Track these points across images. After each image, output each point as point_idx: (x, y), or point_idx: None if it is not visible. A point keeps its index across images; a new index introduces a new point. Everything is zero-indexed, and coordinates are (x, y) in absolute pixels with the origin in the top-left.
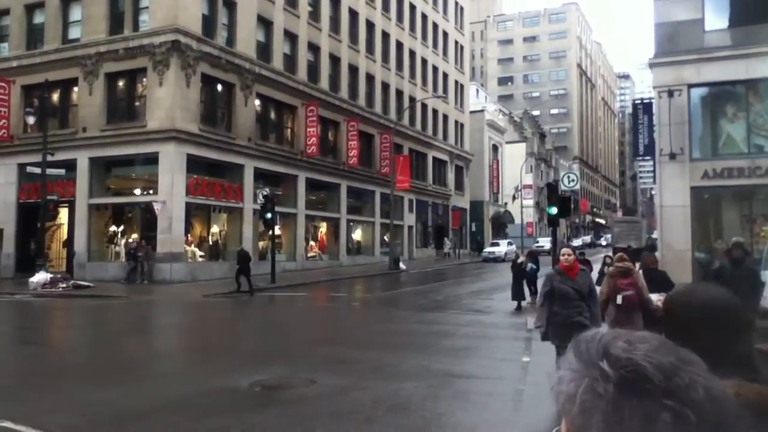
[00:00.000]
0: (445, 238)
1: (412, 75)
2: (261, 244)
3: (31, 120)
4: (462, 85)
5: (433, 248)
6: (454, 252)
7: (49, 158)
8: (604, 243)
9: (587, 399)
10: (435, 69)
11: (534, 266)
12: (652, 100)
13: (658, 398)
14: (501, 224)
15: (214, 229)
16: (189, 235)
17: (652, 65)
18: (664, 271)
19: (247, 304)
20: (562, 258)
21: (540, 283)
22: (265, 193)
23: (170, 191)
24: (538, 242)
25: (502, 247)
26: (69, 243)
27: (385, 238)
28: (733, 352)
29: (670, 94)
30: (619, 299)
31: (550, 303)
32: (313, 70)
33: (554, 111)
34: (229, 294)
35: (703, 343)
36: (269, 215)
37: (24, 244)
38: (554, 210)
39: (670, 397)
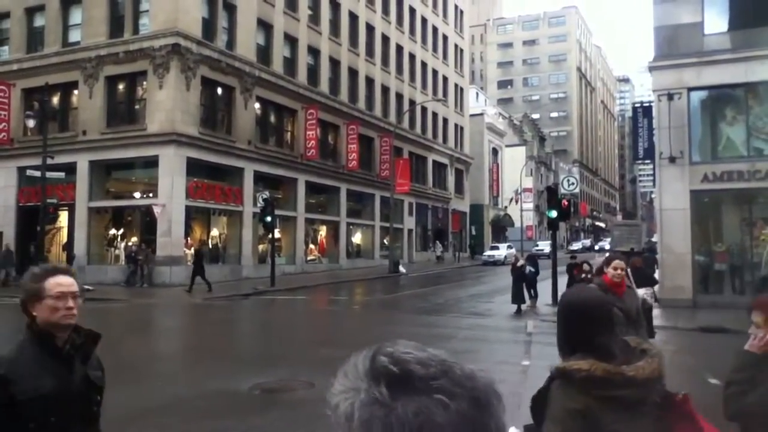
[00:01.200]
0: (437, 242)
1: (412, 78)
2: (261, 247)
3: (31, 123)
4: (462, 89)
5: (432, 251)
6: (454, 256)
7: (49, 161)
8: (606, 246)
9: (364, 412)
10: (435, 72)
11: (533, 269)
12: (652, 104)
13: (425, 390)
14: (501, 228)
15: (214, 232)
16: (189, 238)
17: (651, 68)
18: (648, 270)
19: (247, 307)
20: (610, 272)
21: (539, 286)
22: (264, 196)
23: (170, 194)
24: (537, 245)
25: (502, 251)
26: (69, 246)
27: (385, 241)
28: (593, 340)
29: (670, 97)
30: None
31: None
32: (313, 73)
33: (554, 114)
34: (229, 297)
35: (572, 332)
36: (269, 218)
37: (24, 247)
38: (554, 213)
39: (434, 386)
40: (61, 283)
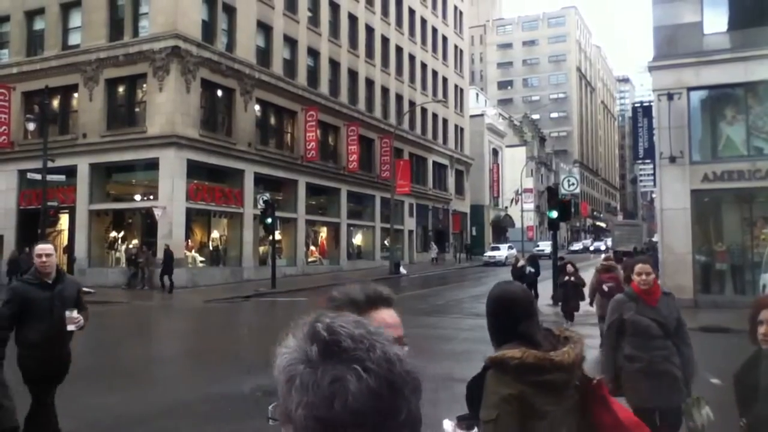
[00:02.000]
0: (432, 243)
1: (412, 79)
2: (261, 249)
3: (31, 126)
4: (462, 89)
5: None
6: (455, 257)
7: (50, 164)
8: (601, 247)
9: (293, 367)
10: (434, 73)
11: (533, 270)
12: (652, 104)
13: (346, 360)
14: (501, 228)
15: (215, 234)
16: (189, 240)
17: (651, 68)
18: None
19: (248, 309)
20: (636, 279)
21: (539, 286)
22: (265, 198)
23: (170, 197)
24: (538, 246)
25: (503, 251)
26: (69, 249)
27: (386, 242)
28: (517, 330)
29: (670, 97)
30: (605, 287)
31: (619, 341)
32: (313, 74)
33: (554, 115)
34: (230, 299)
35: (499, 323)
36: (269, 220)
37: (24, 250)
38: (554, 213)
39: (356, 361)
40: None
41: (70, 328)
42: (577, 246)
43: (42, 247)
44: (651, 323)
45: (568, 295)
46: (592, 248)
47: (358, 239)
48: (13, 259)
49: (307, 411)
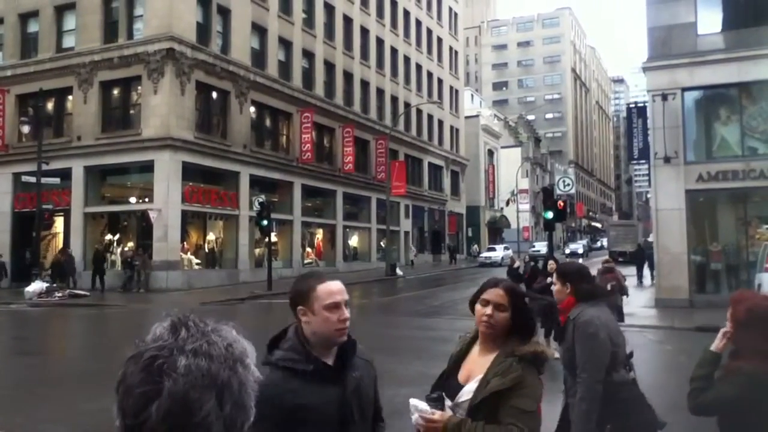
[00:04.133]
0: (410, 245)
1: (407, 81)
2: (257, 251)
3: (25, 129)
4: (457, 91)
5: (429, 254)
6: (450, 258)
7: (44, 167)
8: (578, 251)
9: (153, 348)
10: (429, 75)
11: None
12: (646, 104)
13: (181, 348)
14: (497, 229)
15: (210, 236)
16: (185, 242)
17: (645, 69)
18: None
19: (244, 311)
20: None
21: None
22: (260, 200)
23: (166, 199)
24: (534, 247)
25: (499, 252)
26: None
27: (382, 243)
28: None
29: (664, 97)
30: (608, 287)
31: None
32: (308, 76)
33: (549, 115)
34: (225, 302)
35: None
36: (265, 222)
37: (19, 253)
38: (550, 214)
39: (186, 348)
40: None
41: None
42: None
43: (334, 288)
44: None
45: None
46: (568, 251)
47: (354, 241)
48: (56, 262)
49: None
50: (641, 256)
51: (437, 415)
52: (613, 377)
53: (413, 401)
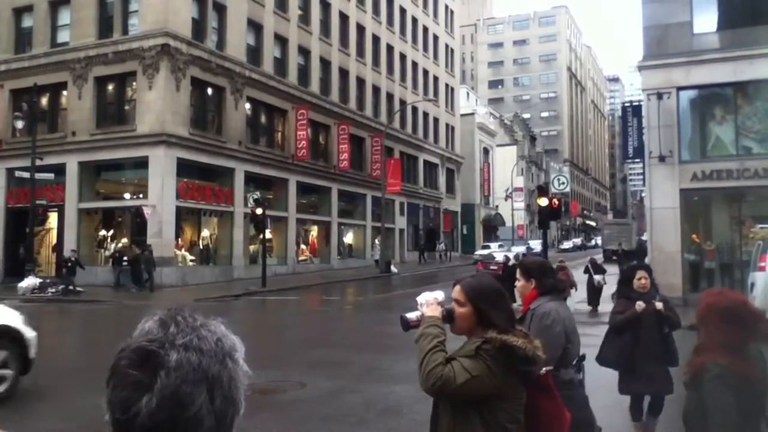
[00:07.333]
0: (375, 241)
1: (403, 78)
2: (252, 247)
3: (20, 124)
4: (452, 88)
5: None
6: (445, 255)
7: (38, 162)
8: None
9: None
10: (425, 72)
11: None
12: (642, 103)
13: (172, 341)
14: (492, 227)
15: (205, 233)
16: (179, 239)
17: (641, 68)
18: None
19: (238, 308)
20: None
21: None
22: (255, 196)
23: (160, 195)
24: (528, 245)
25: (494, 250)
26: (58, 248)
27: (377, 241)
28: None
29: (659, 96)
30: None
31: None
32: (304, 73)
33: (544, 114)
34: (220, 298)
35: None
36: (260, 218)
37: (13, 249)
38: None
39: (177, 341)
40: None
41: None
42: (567, 244)
43: None
44: None
45: None
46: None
47: (349, 238)
48: (134, 259)
49: None
50: (642, 254)
51: (440, 298)
52: (561, 374)
53: (411, 313)
